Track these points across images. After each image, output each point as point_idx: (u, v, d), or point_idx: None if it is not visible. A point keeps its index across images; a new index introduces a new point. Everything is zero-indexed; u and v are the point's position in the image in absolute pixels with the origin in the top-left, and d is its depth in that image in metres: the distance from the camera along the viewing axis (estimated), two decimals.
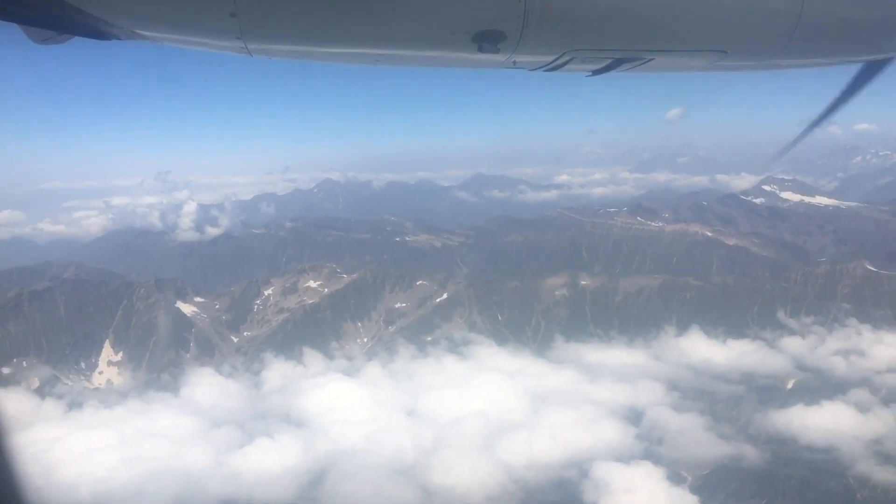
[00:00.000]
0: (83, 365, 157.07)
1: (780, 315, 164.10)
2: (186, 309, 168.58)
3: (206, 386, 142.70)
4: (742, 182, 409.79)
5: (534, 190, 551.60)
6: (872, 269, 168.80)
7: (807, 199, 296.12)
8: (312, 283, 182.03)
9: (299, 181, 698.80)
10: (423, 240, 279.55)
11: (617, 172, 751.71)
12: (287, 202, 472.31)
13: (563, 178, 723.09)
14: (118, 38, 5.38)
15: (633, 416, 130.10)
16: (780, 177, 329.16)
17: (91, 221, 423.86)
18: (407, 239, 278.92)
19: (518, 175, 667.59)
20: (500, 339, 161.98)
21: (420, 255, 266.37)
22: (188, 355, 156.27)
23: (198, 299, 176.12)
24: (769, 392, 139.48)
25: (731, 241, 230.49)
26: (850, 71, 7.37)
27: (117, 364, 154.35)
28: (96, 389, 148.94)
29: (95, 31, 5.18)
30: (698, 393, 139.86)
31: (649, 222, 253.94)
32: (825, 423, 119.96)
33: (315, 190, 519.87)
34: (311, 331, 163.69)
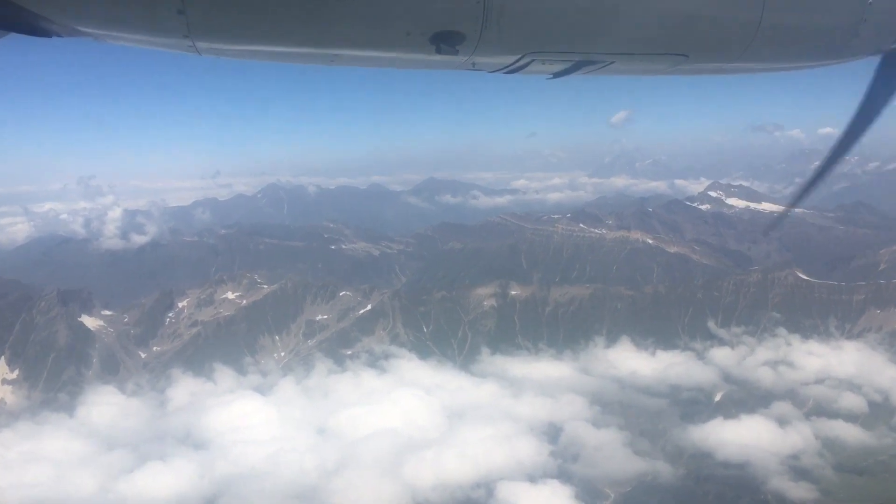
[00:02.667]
0: None
1: (711, 325, 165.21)
2: (91, 323, 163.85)
3: (105, 405, 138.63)
4: (700, 187, 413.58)
5: (487, 195, 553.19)
6: (804, 277, 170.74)
7: (752, 205, 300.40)
8: (230, 295, 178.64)
9: (240, 186, 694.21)
10: (361, 248, 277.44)
11: (576, 177, 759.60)
12: (227, 208, 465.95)
13: (520, 182, 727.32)
14: (59, 35, 5.18)
15: (552, 432, 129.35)
16: (727, 182, 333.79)
17: (17, 228, 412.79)
18: (343, 247, 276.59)
19: (475, 180, 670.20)
20: (423, 353, 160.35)
21: (355, 263, 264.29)
22: (90, 373, 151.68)
23: (105, 312, 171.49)
24: (693, 405, 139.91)
25: (673, 249, 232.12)
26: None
27: (12, 383, 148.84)
28: None
29: (35, 28, 4.98)
30: (621, 407, 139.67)
31: (592, 229, 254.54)
32: (743, 437, 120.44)
33: (259, 195, 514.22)
34: (224, 345, 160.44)
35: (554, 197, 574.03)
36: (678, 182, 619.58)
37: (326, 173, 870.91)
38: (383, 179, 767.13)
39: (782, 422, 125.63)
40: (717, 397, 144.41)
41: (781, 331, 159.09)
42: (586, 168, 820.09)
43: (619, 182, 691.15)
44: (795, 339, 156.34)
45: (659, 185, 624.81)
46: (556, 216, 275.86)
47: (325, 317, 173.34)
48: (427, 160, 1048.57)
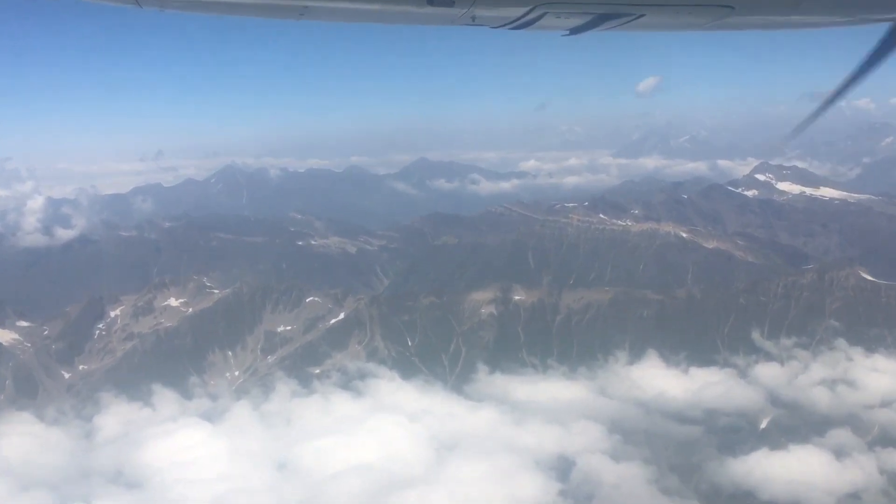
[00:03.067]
0: None
1: (756, 336, 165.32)
2: (4, 336, 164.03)
3: (21, 436, 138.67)
4: (747, 168, 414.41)
5: (489, 179, 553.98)
6: (869, 277, 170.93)
7: (809, 190, 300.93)
8: (173, 302, 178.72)
9: (189, 169, 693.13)
10: (334, 244, 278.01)
11: (598, 157, 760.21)
12: (173, 196, 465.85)
13: (530, 164, 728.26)
14: None
15: (562, 467, 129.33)
16: (778, 164, 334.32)
17: None
18: (313, 243, 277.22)
19: (475, 161, 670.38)
20: (407, 371, 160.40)
21: (327, 263, 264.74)
22: (2, 397, 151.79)
23: (21, 323, 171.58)
24: (734, 434, 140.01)
25: (711, 244, 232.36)
26: (877, 32, 7.47)
27: None
28: None
29: None
30: (646, 436, 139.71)
31: (614, 221, 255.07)
32: (792, 471, 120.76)
33: (212, 181, 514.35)
34: (166, 363, 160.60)
35: (570, 181, 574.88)
36: (721, 163, 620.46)
37: (295, 153, 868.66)
38: (364, 161, 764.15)
39: (840, 453, 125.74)
40: (763, 424, 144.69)
41: (841, 343, 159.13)
42: (610, 146, 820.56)
43: (650, 163, 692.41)
44: (858, 353, 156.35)
45: (698, 167, 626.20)
46: (572, 205, 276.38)
47: (289, 328, 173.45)
48: (418, 137, 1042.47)
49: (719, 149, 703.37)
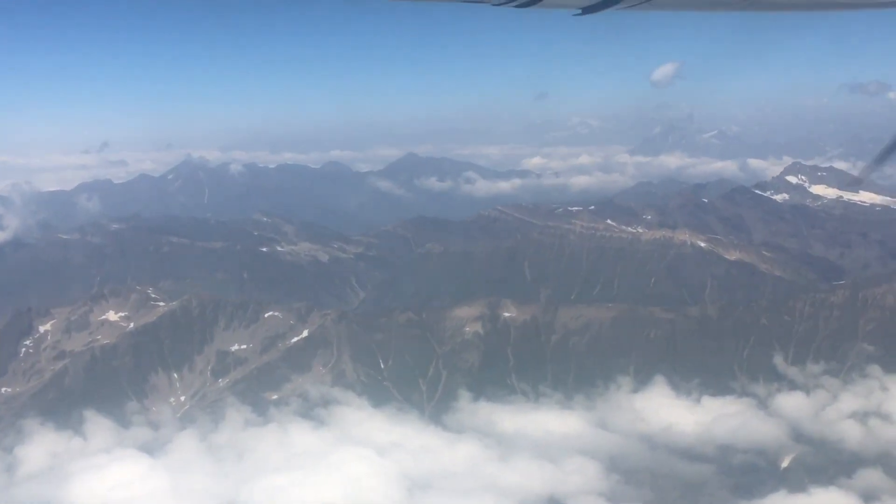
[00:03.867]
0: None
1: (779, 361, 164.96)
2: None
3: None
4: (781, 169, 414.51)
5: (487, 178, 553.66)
6: None
7: (847, 195, 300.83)
8: (112, 316, 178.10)
9: (146, 163, 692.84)
10: (303, 251, 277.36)
11: (613, 154, 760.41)
12: (124, 194, 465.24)
13: (535, 161, 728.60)
14: None
15: None
16: (813, 163, 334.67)
17: None
18: (279, 249, 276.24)
19: (472, 157, 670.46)
20: (379, 398, 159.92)
21: (295, 273, 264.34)
22: None
23: None
24: (751, 474, 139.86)
25: (734, 256, 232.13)
26: None
27: None
28: None
29: None
30: (650, 476, 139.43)
31: (624, 227, 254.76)
32: None
33: (170, 177, 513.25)
34: (101, 386, 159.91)
35: (579, 182, 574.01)
36: (753, 162, 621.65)
37: (270, 146, 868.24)
38: (347, 156, 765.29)
39: (870, 497, 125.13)
40: (785, 462, 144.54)
41: (875, 370, 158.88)
42: (628, 142, 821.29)
43: (672, 162, 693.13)
44: (894, 382, 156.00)
45: (726, 167, 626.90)
46: (576, 209, 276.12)
47: (244, 347, 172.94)
48: (409, 130, 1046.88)
49: (752, 146, 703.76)
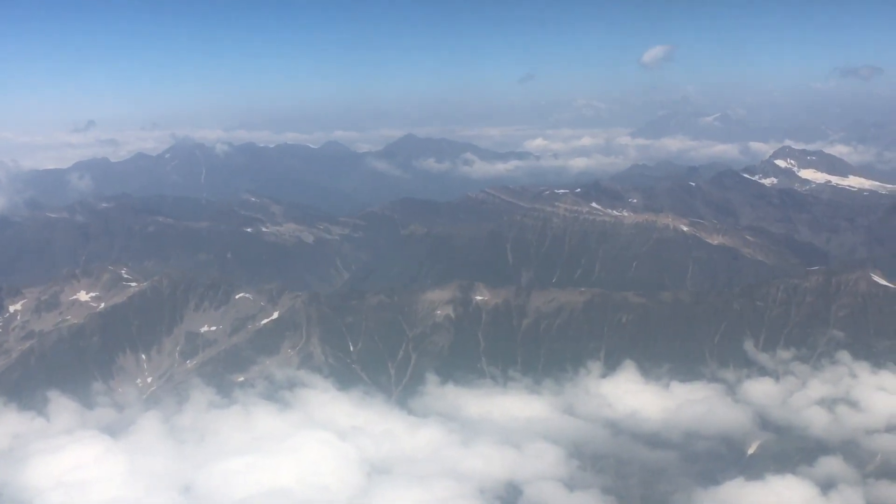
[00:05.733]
0: None
1: (749, 347, 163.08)
2: None
3: None
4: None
5: (485, 159, 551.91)
6: (882, 282, 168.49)
7: (835, 179, 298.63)
8: (84, 296, 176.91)
9: (149, 142, 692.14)
10: (288, 231, 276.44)
11: (615, 136, 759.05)
12: (119, 174, 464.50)
13: (537, 143, 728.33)
14: None
15: (509, 496, 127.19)
16: (802, 147, 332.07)
17: None
18: (263, 230, 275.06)
19: (474, 138, 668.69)
20: (346, 381, 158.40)
21: (279, 253, 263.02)
22: None
23: None
24: (715, 461, 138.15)
25: (716, 240, 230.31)
26: None
27: None
28: None
29: None
30: (612, 461, 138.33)
31: (608, 210, 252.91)
32: None
33: (168, 156, 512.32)
34: (67, 366, 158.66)
35: (578, 164, 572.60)
36: (754, 145, 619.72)
37: (274, 126, 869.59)
38: (350, 136, 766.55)
39: (827, 485, 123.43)
40: (752, 449, 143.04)
41: (844, 356, 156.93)
42: (634, 125, 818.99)
43: (673, 144, 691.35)
44: (863, 369, 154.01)
45: (727, 150, 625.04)
46: (562, 191, 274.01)
47: (214, 328, 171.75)
48: (415, 111, 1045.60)
49: (755, 130, 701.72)
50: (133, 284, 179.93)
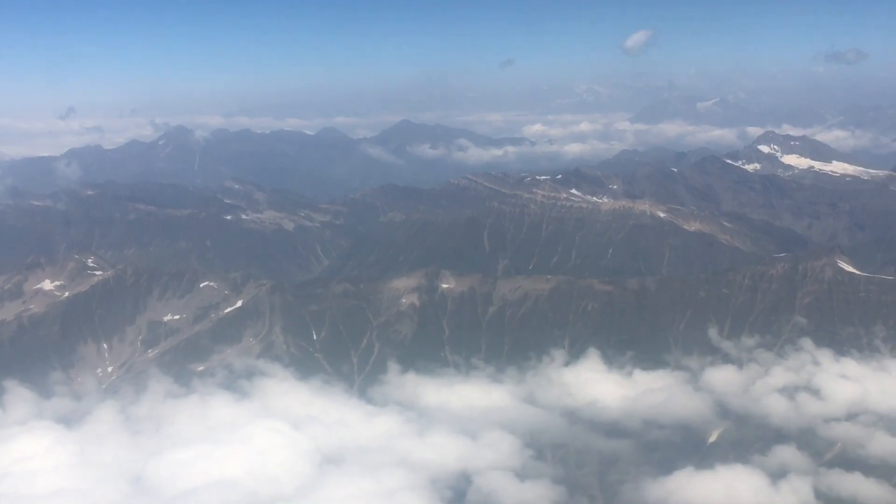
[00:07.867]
0: None
1: (713, 334, 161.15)
2: None
3: None
4: None
5: (480, 145, 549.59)
6: (848, 269, 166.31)
7: (818, 165, 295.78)
8: (48, 285, 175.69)
9: (146, 129, 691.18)
10: (268, 219, 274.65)
11: (614, 122, 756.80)
12: (112, 161, 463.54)
13: (535, 129, 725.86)
14: None
15: (461, 486, 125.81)
16: (785, 132, 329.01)
17: None
18: (243, 217, 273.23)
19: (471, 124, 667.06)
20: (307, 370, 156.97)
21: (258, 241, 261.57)
22: None
23: None
24: (671, 449, 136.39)
25: (693, 227, 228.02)
26: None
27: None
28: None
29: None
30: (567, 451, 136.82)
31: (588, 197, 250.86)
32: (715, 497, 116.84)
33: (161, 143, 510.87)
34: (26, 355, 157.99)
35: (574, 150, 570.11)
36: (752, 130, 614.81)
37: (275, 112, 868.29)
38: (349, 122, 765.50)
39: (777, 474, 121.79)
40: (713, 437, 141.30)
41: (807, 343, 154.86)
42: (633, 109, 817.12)
43: (671, 129, 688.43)
44: (825, 356, 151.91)
45: (724, 135, 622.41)
46: (543, 178, 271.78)
47: (177, 317, 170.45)
48: (415, 96, 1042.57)
49: (754, 114, 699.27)
50: (98, 273, 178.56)
